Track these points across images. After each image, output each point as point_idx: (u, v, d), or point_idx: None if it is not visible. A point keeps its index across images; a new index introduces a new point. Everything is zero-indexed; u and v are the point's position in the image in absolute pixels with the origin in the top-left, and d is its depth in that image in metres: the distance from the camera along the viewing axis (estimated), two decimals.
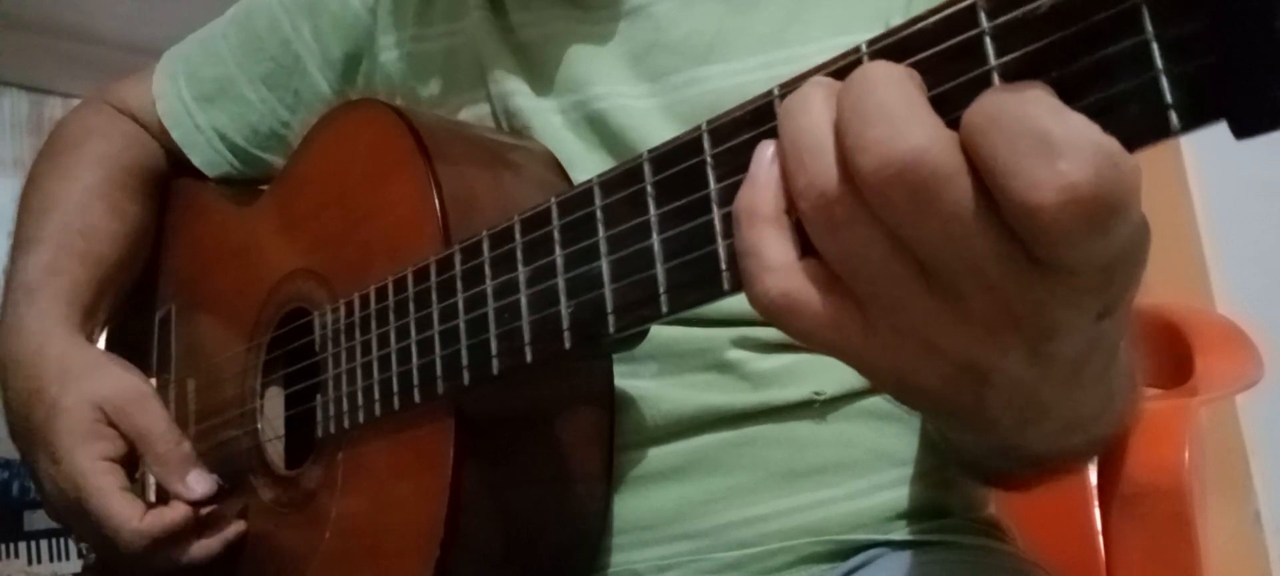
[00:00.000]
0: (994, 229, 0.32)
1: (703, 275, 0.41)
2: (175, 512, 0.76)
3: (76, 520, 0.78)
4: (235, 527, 0.78)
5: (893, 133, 0.32)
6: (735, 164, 0.39)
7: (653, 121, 0.73)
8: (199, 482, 0.78)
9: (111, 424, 0.78)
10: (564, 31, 0.77)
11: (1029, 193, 0.30)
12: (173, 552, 0.77)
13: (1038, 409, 0.40)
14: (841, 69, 0.36)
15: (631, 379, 0.70)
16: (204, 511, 0.78)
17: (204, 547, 0.77)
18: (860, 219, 0.34)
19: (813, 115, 0.35)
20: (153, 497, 0.79)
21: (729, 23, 0.73)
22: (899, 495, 0.71)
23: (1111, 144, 0.29)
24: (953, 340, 0.35)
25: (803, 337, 0.37)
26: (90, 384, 0.78)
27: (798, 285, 0.36)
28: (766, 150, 0.37)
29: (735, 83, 0.72)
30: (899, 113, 0.32)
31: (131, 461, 0.79)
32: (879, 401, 0.71)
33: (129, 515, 0.75)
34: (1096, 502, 0.88)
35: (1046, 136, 0.29)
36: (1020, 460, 0.51)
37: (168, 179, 0.97)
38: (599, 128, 0.74)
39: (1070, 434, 0.46)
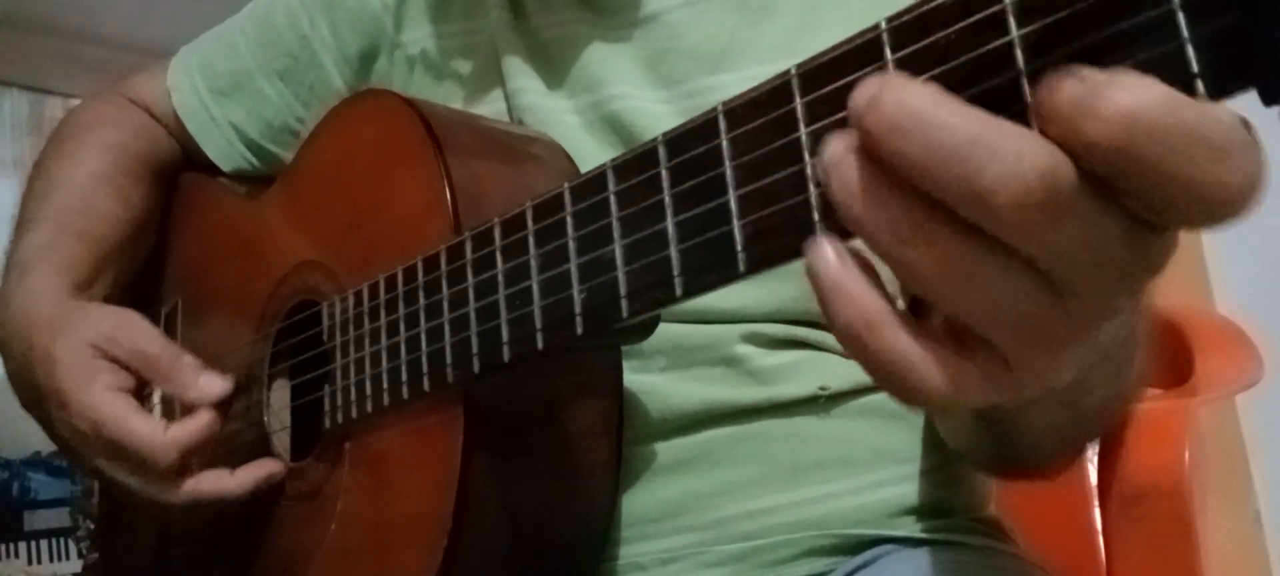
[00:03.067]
0: (1120, 214, 0.31)
1: (719, 257, 0.41)
2: (200, 419, 0.73)
3: (100, 457, 0.76)
4: (269, 466, 0.75)
5: (1011, 163, 0.30)
6: (752, 145, 0.40)
7: (668, 126, 0.73)
8: (213, 383, 0.75)
9: (109, 357, 0.76)
10: (581, 34, 0.77)
11: (1217, 193, 0.29)
12: (211, 480, 0.74)
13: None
14: (861, 46, 0.36)
15: (639, 373, 0.70)
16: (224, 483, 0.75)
17: (237, 482, 0.74)
18: (990, 262, 0.32)
19: (892, 197, 0.32)
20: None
21: (742, 32, 0.74)
22: (902, 492, 0.72)
23: (1241, 120, 0.29)
24: (1082, 327, 0.34)
25: (964, 404, 0.35)
26: (79, 328, 0.77)
27: (954, 370, 0.34)
28: (831, 261, 0.35)
29: None
30: (995, 139, 0.30)
31: (137, 395, 0.77)
32: (883, 399, 0.72)
33: (153, 429, 0.72)
34: (1096, 502, 0.88)
35: (1212, 142, 0.28)
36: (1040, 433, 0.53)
37: (178, 172, 0.97)
38: (615, 128, 0.75)
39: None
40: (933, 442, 0.73)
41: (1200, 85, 0.27)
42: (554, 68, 0.78)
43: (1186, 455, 0.78)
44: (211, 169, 0.95)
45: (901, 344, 0.34)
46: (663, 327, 0.59)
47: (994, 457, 0.65)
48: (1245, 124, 0.29)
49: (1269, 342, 0.91)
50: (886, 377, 0.34)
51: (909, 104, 0.31)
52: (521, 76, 0.78)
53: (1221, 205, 0.29)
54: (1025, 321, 0.33)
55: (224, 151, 0.94)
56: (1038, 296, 0.32)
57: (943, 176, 0.30)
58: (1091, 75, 0.29)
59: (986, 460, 0.68)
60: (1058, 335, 0.34)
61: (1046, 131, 0.30)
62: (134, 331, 0.77)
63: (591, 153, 0.75)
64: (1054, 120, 0.30)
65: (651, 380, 0.70)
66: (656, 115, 0.74)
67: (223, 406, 0.75)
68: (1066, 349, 0.34)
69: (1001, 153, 0.30)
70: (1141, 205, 0.30)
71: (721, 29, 0.74)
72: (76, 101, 1.04)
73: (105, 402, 0.74)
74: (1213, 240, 1.64)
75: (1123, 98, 0.28)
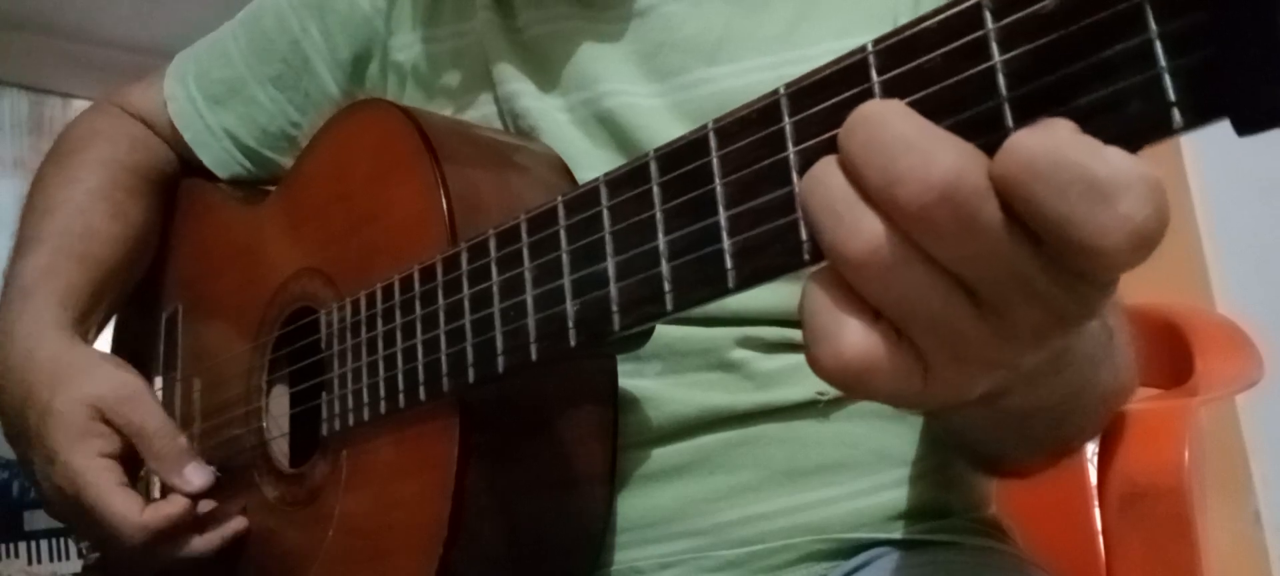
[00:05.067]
0: (1033, 239, 0.32)
1: (709, 273, 0.41)
2: (175, 506, 0.76)
3: (77, 518, 0.78)
4: (235, 524, 0.78)
5: (924, 158, 0.31)
6: (741, 162, 0.40)
7: (661, 120, 0.73)
8: (196, 475, 0.77)
9: (106, 421, 0.77)
10: (572, 30, 0.77)
11: (1096, 239, 0.30)
12: (174, 548, 0.76)
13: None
14: (848, 67, 0.36)
15: (635, 378, 0.70)
16: (204, 506, 0.77)
17: (204, 543, 0.77)
18: (910, 256, 0.33)
19: (834, 178, 0.34)
20: (156, 494, 0.79)
21: (738, 23, 0.74)
22: (901, 494, 0.71)
23: (1147, 167, 0.30)
24: (1007, 354, 0.35)
25: (870, 398, 0.36)
26: (82, 384, 0.78)
27: (869, 346, 0.35)
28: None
29: (744, 82, 0.72)
30: (920, 138, 0.32)
31: (128, 460, 0.78)
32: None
33: (128, 510, 0.74)
34: (1096, 502, 0.88)
35: (1095, 181, 0.29)
36: (1039, 423, 0.53)
37: (177, 180, 0.97)
38: (607, 126, 0.75)
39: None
40: (932, 443, 0.73)
41: (1177, 114, 0.28)
42: (545, 67, 0.78)
43: (1186, 455, 0.78)
44: (211, 175, 0.95)
45: (816, 295, 0.36)
46: (658, 331, 0.59)
47: (958, 448, 0.66)
48: (1150, 177, 0.30)
49: (1269, 342, 0.91)
50: (809, 331, 0.36)
51: (867, 108, 0.33)
52: (512, 79, 0.78)
53: (1099, 251, 0.30)
54: (942, 325, 0.34)
55: (221, 159, 0.94)
56: (957, 305, 0.34)
57: (866, 161, 0.33)
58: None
59: (957, 450, 0.69)
60: (978, 351, 0.35)
61: None
62: (135, 405, 0.78)
63: (585, 151, 0.75)
64: None
65: (647, 385, 0.70)
66: (649, 110, 0.74)
67: (201, 494, 0.78)
68: (985, 368, 0.36)
69: (918, 149, 0.31)
70: (1050, 244, 0.31)
71: (717, 20, 0.74)
72: (77, 102, 1.05)
73: (92, 470, 0.76)
74: (1213, 240, 1.64)
75: (1017, 134, 0.30)
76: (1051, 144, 0.30)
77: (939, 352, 0.35)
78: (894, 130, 0.32)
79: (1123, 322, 0.55)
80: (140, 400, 0.79)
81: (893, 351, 0.35)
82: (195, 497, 0.77)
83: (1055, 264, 0.32)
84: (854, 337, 0.35)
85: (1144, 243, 0.30)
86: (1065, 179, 0.30)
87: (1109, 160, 0.30)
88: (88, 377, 0.78)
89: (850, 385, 0.36)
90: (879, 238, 0.33)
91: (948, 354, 0.35)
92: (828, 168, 0.34)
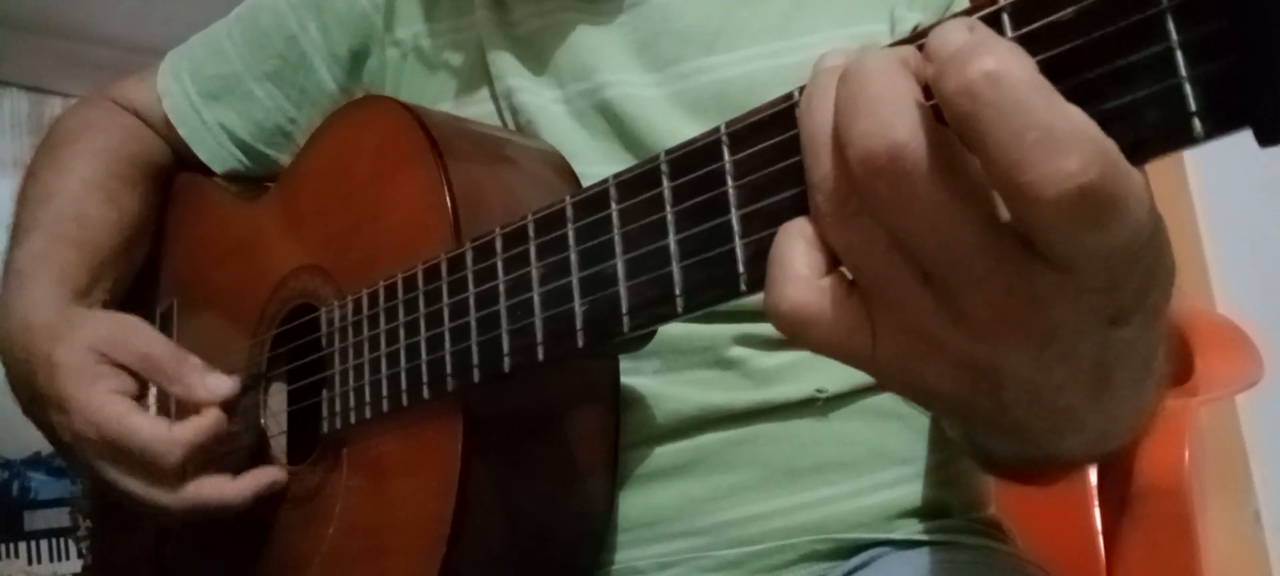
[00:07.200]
0: (977, 221, 0.33)
1: (720, 275, 0.41)
2: (206, 417, 0.73)
3: (101, 459, 0.75)
4: (272, 473, 0.74)
5: (877, 127, 0.32)
6: (754, 166, 0.40)
7: (660, 110, 0.73)
8: (220, 382, 0.75)
9: (111, 361, 0.76)
10: (567, 22, 0.77)
11: (1035, 185, 0.30)
12: (210, 489, 0.73)
13: (1068, 417, 0.40)
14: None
15: (634, 377, 0.70)
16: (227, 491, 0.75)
17: (241, 488, 0.74)
18: (861, 211, 0.34)
19: (821, 115, 0.35)
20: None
21: (735, 12, 0.74)
22: (900, 494, 0.72)
23: (1109, 141, 0.30)
24: (951, 337, 0.35)
25: (813, 348, 0.37)
26: (81, 333, 0.77)
27: (811, 297, 0.36)
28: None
29: (742, 71, 0.72)
30: (886, 105, 0.32)
31: (139, 398, 0.77)
32: (881, 400, 0.72)
33: (158, 428, 0.72)
34: (1096, 502, 0.88)
35: (1052, 131, 0.29)
36: (1055, 464, 0.51)
37: (171, 173, 0.97)
38: (606, 116, 0.75)
39: (1107, 442, 0.46)
40: (932, 442, 0.73)
41: (1197, 123, 0.28)
42: (541, 59, 0.78)
43: (1186, 455, 0.78)
44: (206, 170, 0.95)
45: (794, 250, 0.37)
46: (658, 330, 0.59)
47: (973, 453, 0.65)
48: (1105, 145, 0.30)
49: (1269, 342, 0.91)
50: (767, 274, 0.37)
51: (865, 60, 0.34)
52: (510, 73, 0.78)
53: (1037, 200, 0.30)
54: (886, 283, 0.35)
55: (216, 154, 0.94)
56: (899, 268, 0.35)
57: (841, 109, 0.34)
58: (982, 33, 0.31)
59: (971, 453, 0.68)
60: (923, 324, 0.35)
61: (927, 73, 0.32)
62: (137, 335, 0.78)
63: (583, 143, 0.75)
64: (935, 62, 0.31)
65: (646, 383, 0.70)
66: (648, 100, 0.74)
67: (228, 407, 0.75)
68: (936, 350, 0.36)
69: (878, 117, 0.32)
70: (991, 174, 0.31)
71: (714, 10, 0.75)
72: (76, 102, 1.04)
73: (108, 404, 0.74)
74: (1213, 240, 1.64)
75: (988, 61, 0.30)
76: (1017, 85, 0.30)
77: (885, 314, 0.36)
78: (871, 89, 0.33)
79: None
80: (138, 330, 0.78)
81: (839, 304, 0.36)
82: (223, 406, 0.74)
83: (990, 244, 0.33)
84: (801, 283, 0.36)
85: (1076, 201, 0.30)
86: (1024, 122, 0.30)
87: (1067, 115, 0.30)
88: (84, 327, 0.78)
89: (793, 332, 0.37)
90: (831, 180, 0.35)
91: (894, 319, 0.36)
92: (825, 98, 0.35)
